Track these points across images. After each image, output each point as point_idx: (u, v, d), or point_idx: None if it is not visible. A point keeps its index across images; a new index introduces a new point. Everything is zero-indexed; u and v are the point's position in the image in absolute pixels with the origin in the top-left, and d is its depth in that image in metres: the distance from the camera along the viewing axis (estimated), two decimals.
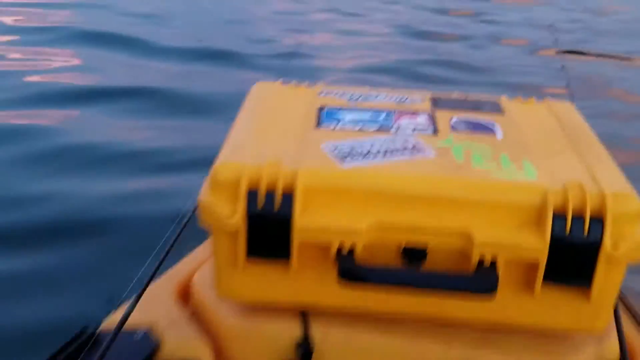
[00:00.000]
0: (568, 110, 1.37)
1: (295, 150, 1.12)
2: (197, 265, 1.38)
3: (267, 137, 1.18)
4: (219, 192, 1.06)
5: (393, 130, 1.22)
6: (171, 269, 1.38)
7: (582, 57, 5.95)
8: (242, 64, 5.03)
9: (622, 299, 1.27)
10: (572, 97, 1.38)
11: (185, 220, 1.37)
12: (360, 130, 1.22)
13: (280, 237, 1.06)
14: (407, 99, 1.38)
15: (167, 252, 1.29)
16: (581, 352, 1.16)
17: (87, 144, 3.32)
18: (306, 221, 1.04)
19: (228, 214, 1.05)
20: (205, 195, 1.08)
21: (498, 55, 6.01)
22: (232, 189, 1.05)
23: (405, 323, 1.17)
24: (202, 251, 1.45)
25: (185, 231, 1.36)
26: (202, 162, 1.26)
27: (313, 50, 5.61)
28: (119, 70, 4.68)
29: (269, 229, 1.05)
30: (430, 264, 1.08)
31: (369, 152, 1.12)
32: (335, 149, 1.13)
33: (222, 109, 3.68)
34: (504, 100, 1.40)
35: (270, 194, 1.04)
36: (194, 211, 1.28)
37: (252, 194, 1.04)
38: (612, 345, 1.19)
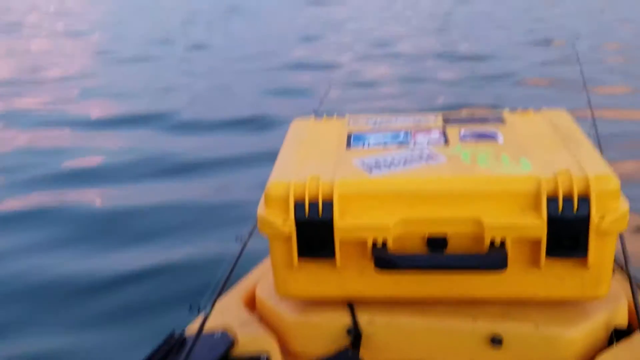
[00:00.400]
0: (561, 116, 1.59)
1: (331, 167, 1.36)
2: (257, 279, 1.62)
3: (307, 159, 1.43)
4: (272, 205, 1.31)
5: (411, 145, 1.46)
6: (236, 284, 1.63)
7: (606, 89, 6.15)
8: (270, 128, 5.32)
9: (630, 271, 1.46)
10: (598, 143, 1.56)
11: (244, 242, 1.61)
12: (383, 147, 1.46)
13: (325, 238, 1.29)
14: (422, 119, 1.62)
15: (232, 270, 1.53)
16: (592, 318, 1.35)
17: (129, 218, 3.55)
18: (344, 222, 1.28)
19: (281, 222, 1.29)
20: (261, 209, 1.33)
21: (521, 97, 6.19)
22: (282, 202, 1.30)
23: (436, 305, 1.38)
24: (260, 268, 1.69)
25: (244, 253, 1.60)
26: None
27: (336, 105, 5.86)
28: (146, 146, 4.91)
29: (315, 231, 1.29)
30: (451, 249, 1.30)
31: (391, 163, 1.36)
32: (363, 163, 1.37)
33: (254, 170, 3.93)
34: (506, 113, 1.63)
35: (313, 203, 1.28)
36: (249, 235, 1.54)
37: (299, 205, 1.29)
38: (621, 311, 1.38)
